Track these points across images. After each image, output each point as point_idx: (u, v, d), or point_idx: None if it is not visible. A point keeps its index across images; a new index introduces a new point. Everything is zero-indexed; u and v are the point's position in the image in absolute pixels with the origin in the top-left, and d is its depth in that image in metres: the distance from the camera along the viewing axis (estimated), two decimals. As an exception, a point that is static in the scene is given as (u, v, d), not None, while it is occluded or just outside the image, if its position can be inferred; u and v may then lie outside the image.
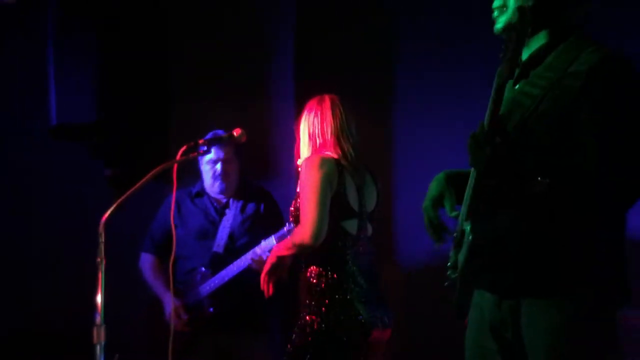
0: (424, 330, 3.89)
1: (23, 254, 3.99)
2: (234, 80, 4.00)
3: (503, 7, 2.08)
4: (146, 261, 3.87)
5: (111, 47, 3.79)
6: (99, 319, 2.51)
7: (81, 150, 3.93)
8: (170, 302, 3.66)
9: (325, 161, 2.99)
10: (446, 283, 2.00)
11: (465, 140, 2.03)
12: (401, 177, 4.14)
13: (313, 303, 2.96)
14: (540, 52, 2.07)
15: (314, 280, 2.99)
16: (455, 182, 2.14)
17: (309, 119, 3.13)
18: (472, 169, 1.99)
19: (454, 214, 2.06)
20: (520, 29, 1.94)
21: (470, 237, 1.96)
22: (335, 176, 2.98)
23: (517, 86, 2.09)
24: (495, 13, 2.10)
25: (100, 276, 2.56)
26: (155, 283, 3.80)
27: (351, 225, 3.04)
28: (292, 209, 3.09)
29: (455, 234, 2.10)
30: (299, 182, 3.03)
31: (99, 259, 2.57)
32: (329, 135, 3.07)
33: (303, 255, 3.03)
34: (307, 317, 2.96)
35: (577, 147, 1.93)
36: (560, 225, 1.95)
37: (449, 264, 2.04)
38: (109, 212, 2.61)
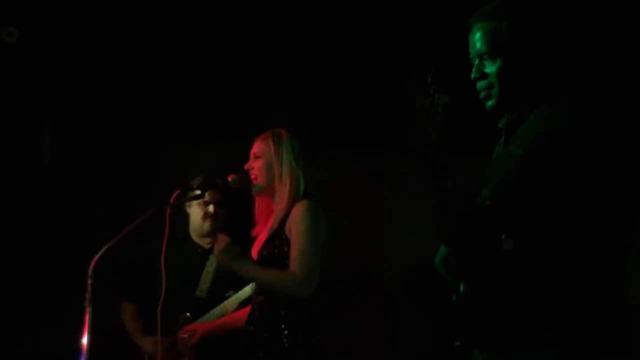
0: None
1: (9, 294, 3.94)
2: (227, 124, 4.02)
3: (490, 86, 2.19)
4: (126, 309, 3.85)
5: (104, 93, 3.83)
6: (84, 361, 2.48)
7: (72, 190, 3.93)
8: (146, 344, 3.64)
9: (319, 207, 2.95)
10: (457, 343, 2.03)
11: None
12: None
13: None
14: (522, 114, 2.18)
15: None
16: None
17: (284, 151, 3.00)
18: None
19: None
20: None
21: (454, 298, 2.02)
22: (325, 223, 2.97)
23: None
24: (483, 94, 2.21)
25: (87, 318, 2.54)
26: (133, 329, 3.78)
27: None
28: (270, 252, 2.97)
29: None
30: (292, 225, 2.93)
31: (86, 301, 2.56)
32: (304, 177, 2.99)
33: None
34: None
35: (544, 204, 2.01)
36: (535, 278, 1.99)
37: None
38: (99, 253, 2.60)
